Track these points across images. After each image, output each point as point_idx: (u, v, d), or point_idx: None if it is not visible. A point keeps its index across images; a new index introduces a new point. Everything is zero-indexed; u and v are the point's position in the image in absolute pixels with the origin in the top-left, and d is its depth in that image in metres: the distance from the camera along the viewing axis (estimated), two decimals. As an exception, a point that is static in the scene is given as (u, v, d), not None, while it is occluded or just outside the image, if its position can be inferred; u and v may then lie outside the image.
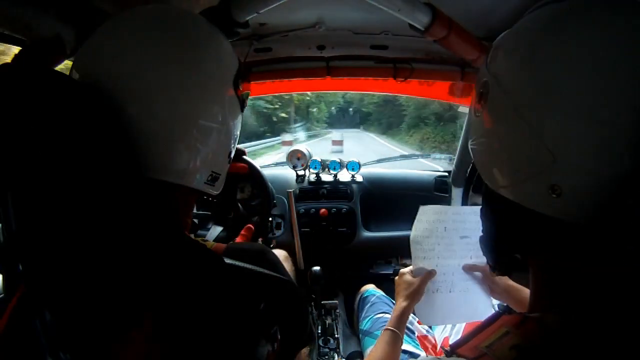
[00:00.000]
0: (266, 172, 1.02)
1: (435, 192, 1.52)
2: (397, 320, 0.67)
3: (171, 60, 0.40)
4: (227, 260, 0.42)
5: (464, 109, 1.28)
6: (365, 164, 1.61)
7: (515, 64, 0.34)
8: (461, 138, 1.36)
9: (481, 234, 0.43)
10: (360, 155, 1.62)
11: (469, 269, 0.74)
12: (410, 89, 1.29)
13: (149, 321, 0.36)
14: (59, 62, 0.63)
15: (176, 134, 0.41)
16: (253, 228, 0.84)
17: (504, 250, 0.39)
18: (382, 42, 1.02)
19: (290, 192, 1.26)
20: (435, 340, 0.94)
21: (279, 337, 0.48)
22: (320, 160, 1.50)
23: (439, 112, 11.44)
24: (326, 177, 1.51)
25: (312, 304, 1.19)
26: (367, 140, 15.30)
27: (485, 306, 0.74)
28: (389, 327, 0.67)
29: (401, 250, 1.40)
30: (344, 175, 1.52)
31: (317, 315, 1.19)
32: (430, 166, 2.26)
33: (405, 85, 1.21)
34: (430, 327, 0.99)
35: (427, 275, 0.71)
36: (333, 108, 20.91)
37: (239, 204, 1.03)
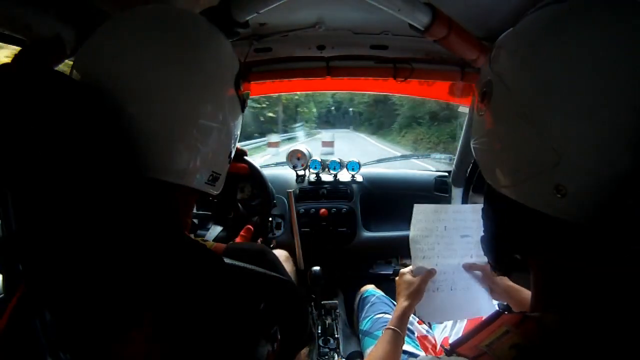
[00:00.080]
0: (266, 172, 1.02)
1: (435, 192, 1.52)
2: (399, 320, 0.68)
3: (171, 60, 0.40)
4: (227, 261, 0.42)
5: (463, 108, 1.28)
6: (365, 164, 1.61)
7: (518, 64, 0.34)
8: (461, 138, 1.36)
9: (482, 233, 0.43)
10: (352, 157, 1.60)
11: (469, 268, 0.74)
12: (410, 89, 1.29)
13: (149, 321, 0.36)
14: (59, 62, 0.63)
15: (176, 133, 0.41)
16: (252, 229, 0.84)
17: (506, 250, 0.39)
18: (382, 42, 1.02)
19: (290, 192, 1.26)
20: (435, 340, 0.94)
21: (279, 337, 0.48)
22: (320, 160, 1.50)
23: (434, 111, 11.16)
24: (326, 177, 1.51)
25: (312, 304, 1.19)
26: (358, 140, 14.92)
27: (488, 302, 0.74)
28: (390, 327, 0.67)
29: (401, 250, 1.40)
30: (344, 175, 1.52)
31: (317, 315, 1.19)
32: (422, 166, 2.25)
33: (405, 85, 1.22)
34: (430, 327, 0.99)
35: (427, 275, 0.71)
36: (323, 108, 20.43)
37: (239, 204, 1.03)
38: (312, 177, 1.51)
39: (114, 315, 0.35)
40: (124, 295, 0.35)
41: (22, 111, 0.32)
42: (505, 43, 0.36)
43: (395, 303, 0.77)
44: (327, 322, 1.16)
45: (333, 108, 21.28)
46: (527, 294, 0.64)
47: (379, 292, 1.14)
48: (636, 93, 0.27)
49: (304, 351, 0.64)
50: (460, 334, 0.86)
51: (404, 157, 2.33)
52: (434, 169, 1.65)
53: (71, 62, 0.44)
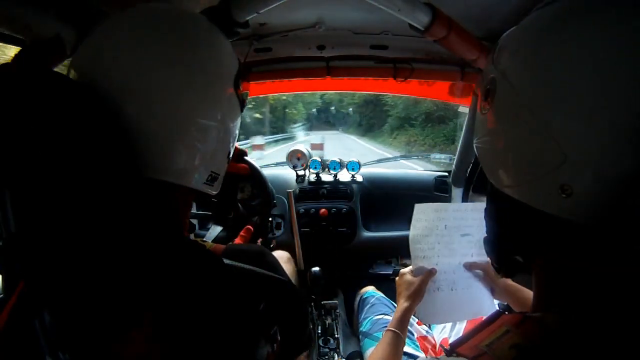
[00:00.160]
0: (266, 172, 1.02)
1: (435, 192, 1.52)
2: (399, 321, 0.67)
3: (172, 59, 0.40)
4: (226, 261, 0.42)
5: (463, 108, 1.28)
6: (365, 164, 1.61)
7: (521, 63, 0.33)
8: (461, 138, 1.36)
9: (485, 234, 0.42)
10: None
11: (470, 267, 0.73)
12: (410, 89, 1.29)
13: (149, 321, 0.36)
14: (59, 62, 0.63)
15: (176, 133, 0.41)
16: (252, 229, 0.84)
17: (509, 250, 0.39)
18: (382, 42, 1.02)
19: (290, 192, 1.26)
20: (434, 340, 0.94)
21: (279, 337, 0.48)
22: (320, 160, 1.50)
23: (428, 112, 10.87)
24: (326, 177, 1.51)
25: (312, 304, 1.19)
26: (348, 143, 14.32)
27: (489, 302, 0.73)
28: (391, 329, 0.66)
29: (401, 250, 1.40)
30: (344, 175, 1.52)
31: (317, 315, 1.19)
32: (411, 167, 2.24)
33: (405, 85, 1.22)
34: (429, 328, 0.98)
35: (427, 275, 0.71)
36: (312, 109, 19.76)
37: (239, 204, 1.03)
38: (312, 177, 1.51)
39: (114, 315, 0.35)
40: (124, 295, 0.35)
41: (21, 111, 0.32)
42: (508, 41, 0.36)
43: (395, 304, 0.77)
44: (327, 322, 1.16)
45: (322, 109, 20.70)
46: (529, 293, 0.64)
47: (379, 294, 1.14)
48: (638, 93, 0.27)
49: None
50: (460, 335, 0.85)
51: (404, 157, 2.33)
52: (422, 169, 1.65)
53: (71, 62, 0.44)
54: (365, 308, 1.10)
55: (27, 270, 0.36)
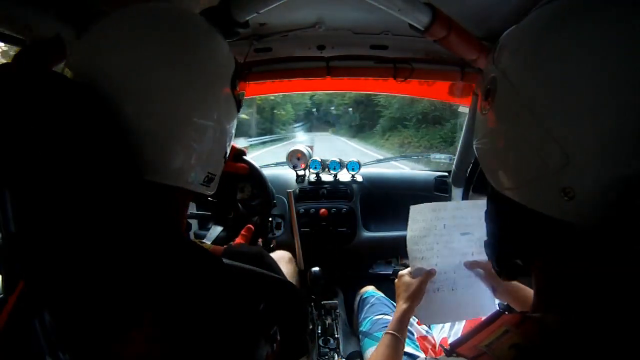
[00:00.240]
0: (266, 172, 1.01)
1: (435, 192, 1.52)
2: (398, 323, 0.66)
3: (170, 59, 0.40)
4: (226, 261, 0.42)
5: (463, 108, 1.28)
6: (365, 164, 1.61)
7: (522, 62, 0.33)
8: (461, 138, 1.36)
9: (485, 237, 0.42)
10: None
11: (471, 266, 0.72)
12: (410, 89, 1.29)
13: (149, 321, 0.36)
14: (59, 62, 0.63)
15: (174, 133, 0.41)
16: (253, 228, 0.84)
17: (509, 253, 0.38)
18: (382, 42, 1.02)
19: (290, 192, 1.26)
20: (434, 340, 0.94)
21: (279, 337, 0.48)
22: (320, 160, 1.50)
23: (423, 113, 10.47)
24: (326, 177, 1.51)
25: (312, 304, 1.19)
26: (339, 144, 13.62)
27: (490, 301, 0.73)
28: (390, 331, 0.66)
29: (401, 250, 1.38)
30: (344, 175, 1.52)
31: (317, 315, 1.19)
32: (402, 168, 2.22)
33: (405, 85, 1.22)
34: (429, 328, 0.98)
35: (426, 276, 0.70)
36: (301, 110, 19.01)
37: (239, 204, 1.03)
38: (312, 177, 1.51)
39: (114, 315, 0.35)
40: (124, 296, 0.35)
41: (21, 111, 0.32)
42: (509, 41, 0.36)
43: (395, 304, 0.77)
44: (327, 322, 1.16)
45: (312, 110, 19.96)
46: (530, 292, 0.63)
47: (379, 293, 1.14)
48: (638, 92, 0.26)
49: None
50: (459, 334, 0.85)
51: (404, 157, 2.33)
52: (409, 168, 1.64)
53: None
54: (365, 308, 1.10)
55: (27, 270, 0.36)
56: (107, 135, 0.36)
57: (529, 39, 0.33)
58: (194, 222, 1.45)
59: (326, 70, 1.13)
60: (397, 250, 1.47)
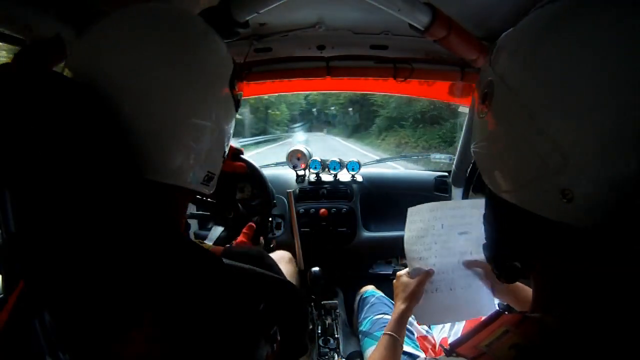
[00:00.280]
0: (266, 172, 1.01)
1: (435, 192, 1.52)
2: (396, 324, 0.66)
3: (170, 59, 0.40)
4: (226, 261, 0.42)
5: (463, 108, 1.28)
6: (365, 164, 1.61)
7: (520, 64, 0.33)
8: (461, 138, 1.36)
9: (484, 236, 0.42)
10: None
11: (469, 265, 0.72)
12: (410, 89, 1.29)
13: (149, 321, 0.36)
14: (59, 62, 0.63)
15: (174, 133, 0.41)
16: (255, 226, 0.84)
17: (508, 256, 0.38)
18: (382, 42, 1.02)
19: (290, 192, 1.26)
20: (434, 340, 0.94)
21: (279, 338, 0.48)
22: (320, 160, 1.50)
23: (420, 113, 10.09)
24: (326, 177, 1.51)
25: (312, 304, 1.19)
26: (334, 144, 13.04)
27: (489, 301, 0.72)
28: (388, 332, 0.65)
29: (401, 250, 1.39)
30: (344, 175, 1.52)
31: (317, 315, 1.19)
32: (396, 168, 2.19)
33: (405, 85, 1.22)
34: (429, 328, 0.98)
35: (424, 276, 0.70)
36: (295, 110, 18.49)
37: (239, 204, 1.03)
38: (312, 177, 1.51)
39: (114, 315, 0.35)
40: (124, 296, 0.35)
41: (21, 111, 0.32)
42: (506, 43, 0.36)
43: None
44: (327, 322, 1.16)
45: (306, 110, 19.33)
46: (529, 292, 0.63)
47: (379, 293, 1.14)
48: (638, 92, 0.26)
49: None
50: (459, 334, 0.85)
51: (404, 157, 2.33)
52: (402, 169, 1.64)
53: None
54: (365, 308, 1.10)
55: (27, 270, 0.36)
56: (106, 135, 0.36)
57: (526, 41, 0.33)
58: (193, 222, 1.45)
59: (326, 70, 1.13)
60: (397, 250, 1.47)
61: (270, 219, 1.04)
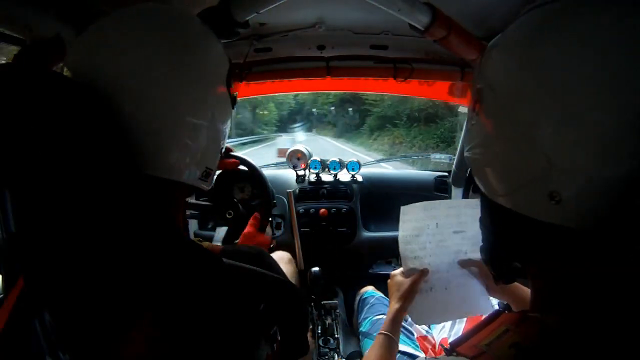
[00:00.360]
0: (266, 172, 1.01)
1: (435, 192, 1.52)
2: (391, 324, 0.66)
3: (169, 59, 0.41)
4: (226, 261, 0.42)
5: (463, 108, 1.28)
6: (365, 164, 1.61)
7: (504, 69, 0.34)
8: (461, 138, 1.36)
9: (478, 235, 0.43)
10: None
11: (464, 264, 0.72)
12: (410, 89, 1.29)
13: (149, 321, 0.36)
14: (59, 62, 0.63)
15: (173, 131, 0.42)
16: (259, 216, 0.86)
17: (504, 258, 0.39)
18: (382, 42, 1.02)
19: (290, 192, 1.26)
20: (434, 340, 0.94)
21: (279, 338, 0.48)
22: (320, 160, 1.50)
23: (415, 111, 9.75)
24: (326, 177, 1.51)
25: (312, 304, 1.19)
26: (324, 145, 12.57)
27: (484, 300, 0.72)
28: (382, 332, 0.65)
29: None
30: (344, 175, 1.52)
31: (317, 315, 1.19)
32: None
33: (405, 85, 1.22)
34: (429, 328, 0.98)
35: (419, 275, 0.69)
36: (284, 110, 18.00)
37: (239, 204, 1.03)
38: (312, 177, 1.51)
39: (114, 315, 0.35)
40: (124, 295, 0.35)
41: (21, 111, 0.32)
42: (494, 47, 0.36)
43: None
44: (327, 322, 1.16)
45: (295, 110, 18.80)
46: (525, 291, 0.63)
47: (379, 293, 1.14)
48: (622, 96, 0.27)
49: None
50: (459, 334, 0.85)
51: (404, 157, 2.33)
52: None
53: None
54: (365, 308, 1.10)
55: (27, 270, 0.36)
56: (106, 135, 0.36)
57: (513, 46, 0.34)
58: (193, 222, 1.45)
59: (326, 70, 1.13)
60: (397, 251, 1.47)
61: (270, 219, 1.04)
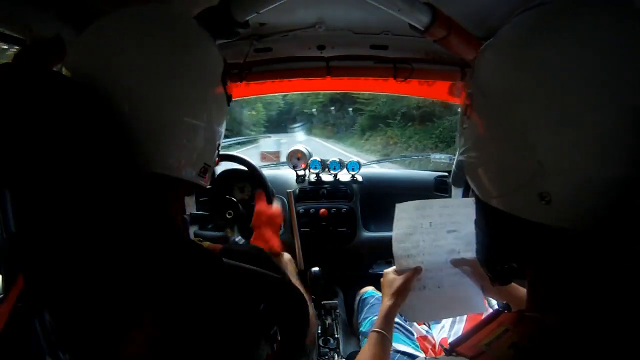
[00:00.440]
0: (266, 172, 1.01)
1: (435, 192, 1.52)
2: (384, 321, 0.66)
3: (169, 60, 0.41)
4: (226, 261, 0.42)
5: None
6: (365, 164, 1.61)
7: (494, 72, 0.34)
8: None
9: (472, 234, 0.43)
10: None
11: (457, 263, 0.72)
12: (410, 89, 1.29)
13: (149, 321, 0.36)
14: (59, 62, 0.63)
15: (174, 132, 0.42)
16: (263, 193, 0.90)
17: (500, 260, 0.39)
18: (382, 42, 1.02)
19: (290, 192, 1.26)
20: (434, 340, 0.94)
21: (279, 338, 0.48)
22: (320, 160, 1.50)
23: (410, 109, 9.36)
24: (326, 177, 1.51)
25: (312, 304, 1.19)
26: (315, 146, 11.54)
27: (478, 299, 0.72)
28: (376, 329, 0.65)
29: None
30: (344, 175, 1.52)
31: (317, 315, 1.19)
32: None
33: (405, 85, 1.21)
34: (429, 328, 0.98)
35: (411, 273, 0.69)
36: (273, 110, 17.40)
37: (239, 204, 1.03)
38: (312, 177, 1.50)
39: (114, 315, 0.35)
40: (124, 295, 0.35)
41: (21, 111, 0.32)
42: (483, 53, 0.37)
43: None
44: (327, 322, 1.16)
45: (284, 110, 18.12)
46: (520, 290, 0.63)
47: (379, 294, 1.14)
48: (621, 96, 0.27)
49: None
50: (459, 334, 0.85)
51: (404, 157, 2.33)
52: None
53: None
54: (365, 308, 1.09)
55: (27, 270, 0.36)
56: (106, 135, 0.36)
57: (502, 50, 0.34)
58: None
59: (326, 70, 1.13)
60: None
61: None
